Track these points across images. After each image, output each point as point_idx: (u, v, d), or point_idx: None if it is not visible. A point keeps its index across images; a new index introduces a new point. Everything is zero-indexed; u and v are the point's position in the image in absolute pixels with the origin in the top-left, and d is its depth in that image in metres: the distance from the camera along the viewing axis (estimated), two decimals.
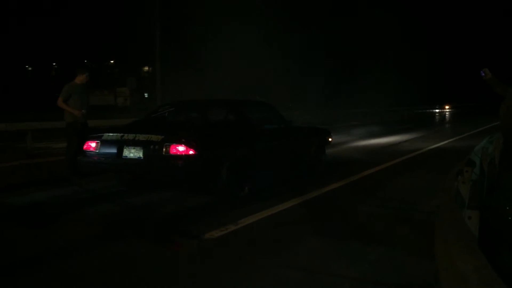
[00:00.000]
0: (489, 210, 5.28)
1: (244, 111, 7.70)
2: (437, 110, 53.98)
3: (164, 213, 5.80)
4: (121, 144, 6.33)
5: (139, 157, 6.15)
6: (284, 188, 7.34)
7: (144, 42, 31.41)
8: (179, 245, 4.61)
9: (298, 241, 4.56)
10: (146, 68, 52.73)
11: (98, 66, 58.37)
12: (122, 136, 6.41)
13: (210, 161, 6.18)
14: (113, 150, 6.36)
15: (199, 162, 5.95)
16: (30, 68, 56.64)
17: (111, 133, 6.64)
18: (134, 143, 6.22)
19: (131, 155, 6.23)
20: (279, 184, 7.70)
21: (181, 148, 5.86)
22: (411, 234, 4.85)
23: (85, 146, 6.74)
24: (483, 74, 5.40)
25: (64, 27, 43.04)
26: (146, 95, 45.05)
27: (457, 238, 2.34)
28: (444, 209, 3.29)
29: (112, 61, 60.35)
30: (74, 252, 4.29)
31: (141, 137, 6.20)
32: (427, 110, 53.66)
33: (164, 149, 5.92)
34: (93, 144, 6.61)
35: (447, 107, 56.84)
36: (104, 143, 6.53)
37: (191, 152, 5.85)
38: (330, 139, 9.56)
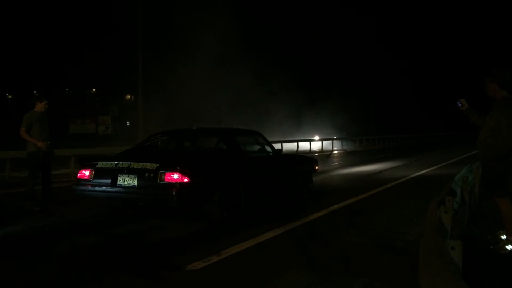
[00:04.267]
0: (471, 239, 5.34)
1: (235, 139, 7.83)
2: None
3: (147, 244, 5.69)
4: (115, 172, 6.40)
5: (134, 185, 6.25)
6: (268, 217, 7.30)
7: (126, 70, 31.52)
8: (161, 278, 4.51)
9: (282, 273, 4.50)
10: (128, 97, 52.71)
11: (79, 95, 58.13)
12: (117, 164, 6.50)
13: (203, 188, 6.37)
14: (108, 178, 6.44)
15: (193, 189, 6.09)
16: (10, 96, 56.07)
17: (106, 161, 6.70)
18: (128, 171, 6.31)
19: (126, 183, 6.30)
20: (263, 213, 7.66)
21: (176, 176, 5.98)
22: (395, 263, 4.85)
23: (79, 175, 6.82)
24: (459, 105, 5.53)
25: (45, 55, 42.96)
26: (128, 123, 44.86)
27: (441, 269, 2.35)
28: (427, 238, 3.31)
29: (93, 89, 60.17)
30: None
31: (136, 165, 6.30)
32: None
33: (159, 177, 6.06)
34: (87, 173, 6.67)
35: (316, 137, 32.61)
36: (98, 171, 6.60)
37: (185, 180, 5.98)
38: (317, 168, 9.74)
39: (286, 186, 8.71)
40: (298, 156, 11.10)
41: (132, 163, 6.38)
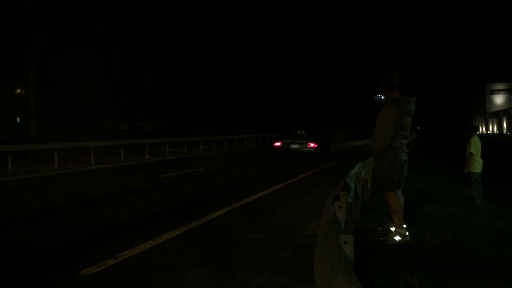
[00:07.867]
0: (364, 231, 5.60)
1: (320, 126, 30.42)
2: None
3: (36, 249, 5.27)
4: (290, 143, 21.29)
5: (297, 148, 20.92)
6: (168, 216, 7.14)
7: (16, 61, 29.27)
8: (52, 286, 4.19)
9: (181, 273, 4.40)
10: (19, 91, 48.75)
11: None
12: (291, 141, 21.42)
13: (322, 147, 21.91)
14: (288, 145, 21.26)
15: (319, 148, 21.17)
16: None
17: (286, 139, 21.81)
18: (296, 143, 21.15)
19: (294, 146, 21.01)
20: (162, 212, 7.47)
21: (313, 144, 20.88)
22: (293, 258, 4.96)
23: (275, 144, 22.52)
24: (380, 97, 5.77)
25: None
26: (18, 119, 41.52)
27: (334, 263, 2.41)
28: (323, 233, 3.40)
29: None
30: None
31: (298, 141, 21.19)
32: None
33: (308, 145, 20.83)
34: (278, 144, 21.91)
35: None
36: (283, 143, 21.58)
37: (316, 146, 20.90)
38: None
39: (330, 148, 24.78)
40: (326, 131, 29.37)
41: (296, 140, 21.32)
